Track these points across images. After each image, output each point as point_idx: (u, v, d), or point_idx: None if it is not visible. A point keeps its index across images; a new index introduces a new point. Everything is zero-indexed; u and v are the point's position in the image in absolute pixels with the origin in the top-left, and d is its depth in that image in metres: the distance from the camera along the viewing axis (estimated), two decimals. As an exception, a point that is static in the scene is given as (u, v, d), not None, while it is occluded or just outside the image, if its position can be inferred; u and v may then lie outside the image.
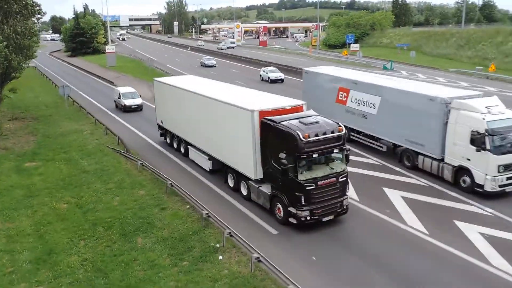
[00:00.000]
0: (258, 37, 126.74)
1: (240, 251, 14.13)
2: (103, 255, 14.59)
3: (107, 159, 24.27)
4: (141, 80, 53.75)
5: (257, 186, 17.05)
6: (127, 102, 36.66)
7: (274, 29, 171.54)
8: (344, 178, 15.42)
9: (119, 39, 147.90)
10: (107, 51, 72.45)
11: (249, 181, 17.55)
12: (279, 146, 15.12)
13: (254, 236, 14.95)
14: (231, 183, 19.35)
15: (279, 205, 15.80)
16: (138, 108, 36.80)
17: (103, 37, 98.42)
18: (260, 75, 52.49)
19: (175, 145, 25.13)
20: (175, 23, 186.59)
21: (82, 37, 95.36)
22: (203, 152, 21.43)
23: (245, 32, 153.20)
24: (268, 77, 50.47)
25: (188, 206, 17.65)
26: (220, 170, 20.34)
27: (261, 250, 13.38)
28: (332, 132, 14.97)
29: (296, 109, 17.00)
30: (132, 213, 17.44)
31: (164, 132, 26.66)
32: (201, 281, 12.84)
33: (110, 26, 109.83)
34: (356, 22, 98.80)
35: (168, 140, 26.22)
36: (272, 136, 15.64)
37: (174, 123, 24.75)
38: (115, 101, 38.84)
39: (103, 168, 22.87)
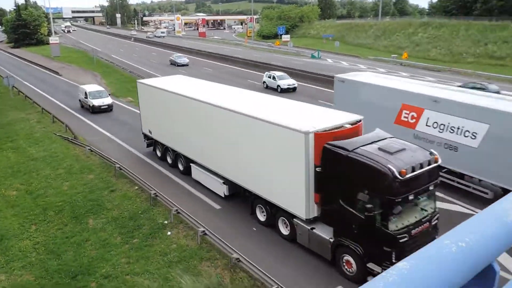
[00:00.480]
0: (197, 29, 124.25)
1: (187, 226, 14.01)
2: (55, 237, 13.96)
3: (55, 146, 23.04)
4: (86, 70, 51.26)
5: (308, 227, 12.08)
6: (96, 102, 29.78)
7: (212, 21, 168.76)
8: (436, 221, 10.99)
9: (64, 31, 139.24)
10: (51, 42, 68.16)
11: (295, 219, 12.52)
12: (355, 182, 10.42)
13: (199, 212, 14.87)
14: (262, 217, 14.16)
15: (349, 258, 10.95)
16: (108, 109, 30.06)
17: (47, 29, 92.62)
18: (264, 82, 38.09)
19: (169, 160, 19.52)
20: (118, 15, 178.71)
21: (25, 28, 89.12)
22: (216, 174, 16.12)
23: (185, 24, 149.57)
24: (278, 85, 36.15)
25: (136, 187, 17.19)
26: (237, 194, 15.51)
27: (206, 224, 13.39)
28: (429, 163, 10.35)
29: (356, 127, 12.18)
30: (82, 196, 16.75)
31: (153, 143, 20.88)
32: (152, 256, 12.64)
33: (53, 18, 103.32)
34: (287, 15, 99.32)
35: (159, 154, 20.41)
36: (343, 168, 10.75)
37: (171, 135, 19.00)
38: (80, 100, 31.76)
39: (52, 154, 21.70)
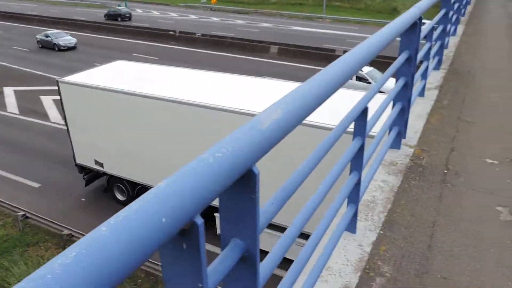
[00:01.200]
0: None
1: (3, 213, 12.56)
2: None
3: None
4: None
5: None
6: None
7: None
8: None
9: None
10: None
11: None
12: None
13: (16, 195, 13.43)
14: None
15: None
16: None
17: None
18: None
19: None
20: None
21: None
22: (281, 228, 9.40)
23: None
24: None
25: None
26: None
27: (26, 206, 12.30)
28: None
29: None
30: None
31: (106, 179, 13.29)
32: (-37, 256, 11.05)
33: None
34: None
35: (121, 197, 13.14)
36: None
37: (153, 167, 11.62)
38: None
39: None
